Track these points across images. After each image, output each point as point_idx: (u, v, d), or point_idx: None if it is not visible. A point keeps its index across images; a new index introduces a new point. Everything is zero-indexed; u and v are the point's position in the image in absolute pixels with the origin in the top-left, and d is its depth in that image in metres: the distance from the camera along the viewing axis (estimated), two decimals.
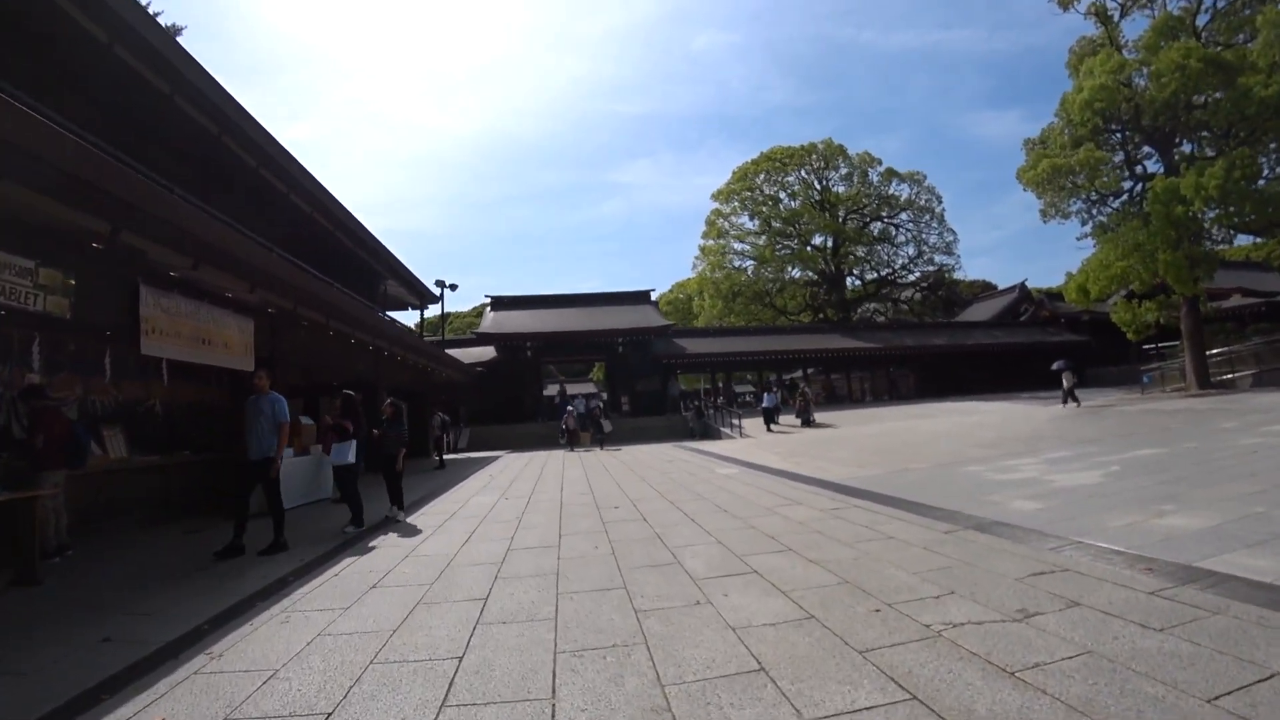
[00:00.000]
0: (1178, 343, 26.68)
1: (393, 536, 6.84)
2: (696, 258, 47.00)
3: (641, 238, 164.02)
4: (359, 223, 15.76)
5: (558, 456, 18.35)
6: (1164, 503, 5.92)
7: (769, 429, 23.14)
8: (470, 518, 7.94)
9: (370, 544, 6.48)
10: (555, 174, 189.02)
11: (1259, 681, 2.44)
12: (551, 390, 36.91)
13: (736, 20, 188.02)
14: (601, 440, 20.26)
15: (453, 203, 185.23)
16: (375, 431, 8.44)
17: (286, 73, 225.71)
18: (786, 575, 4.36)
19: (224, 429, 10.17)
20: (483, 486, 11.68)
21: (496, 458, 19.76)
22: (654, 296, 38.64)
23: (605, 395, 37.07)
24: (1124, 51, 22.16)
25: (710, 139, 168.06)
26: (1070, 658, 2.78)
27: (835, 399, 38.05)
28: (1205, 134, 20.89)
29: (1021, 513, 6.01)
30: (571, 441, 20.20)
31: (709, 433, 26.12)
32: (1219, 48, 20.24)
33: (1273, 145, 18.57)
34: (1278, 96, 17.30)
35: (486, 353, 32.36)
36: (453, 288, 28.62)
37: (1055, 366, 24.78)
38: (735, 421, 23.93)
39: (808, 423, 23.58)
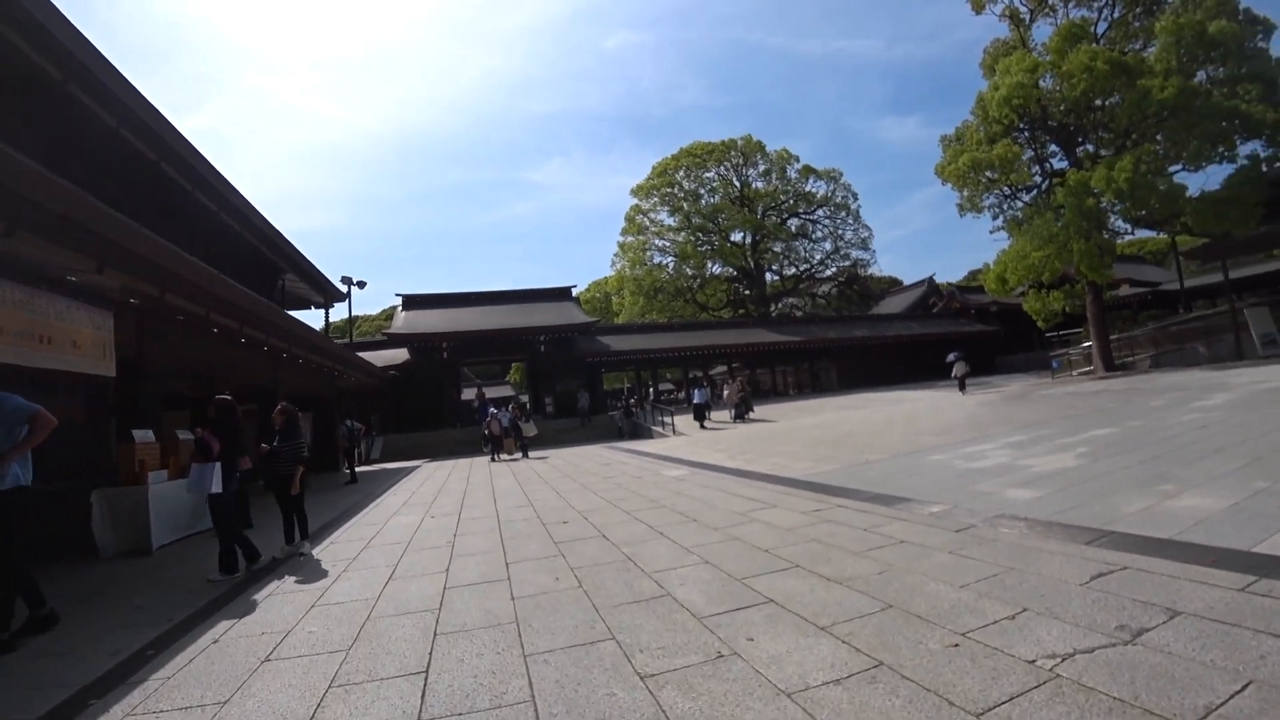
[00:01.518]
0: (1080, 330, 28.56)
1: (291, 581, 5.50)
2: (615, 255, 46.40)
3: (555, 238, 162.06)
4: (251, 206, 13.85)
5: (482, 464, 17.05)
6: (1161, 483, 5.65)
7: (701, 425, 22.69)
8: (392, 545, 6.73)
9: (264, 592, 5.17)
10: (465, 172, 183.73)
11: None
12: (469, 394, 34.98)
13: (648, 21, 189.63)
14: (525, 446, 18.61)
15: (358, 200, 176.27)
16: (265, 447, 7.00)
17: (178, 59, 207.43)
18: (811, 602, 3.59)
19: (77, 449, 8.43)
20: (403, 503, 10.35)
21: (415, 468, 18.21)
22: (574, 293, 37.59)
23: (526, 397, 35.66)
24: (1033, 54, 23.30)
25: (623, 138, 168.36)
26: (1239, 691, 2.17)
27: (760, 393, 38.28)
28: (1104, 134, 22.22)
29: (1023, 502, 5.58)
30: (495, 449, 18.32)
31: (639, 432, 25.40)
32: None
33: (1169, 144, 19.82)
34: (1174, 98, 18.51)
35: (399, 355, 30.24)
36: (360, 285, 26.48)
37: (949, 358, 25.88)
38: (666, 419, 23.30)
39: (741, 417, 23.31)
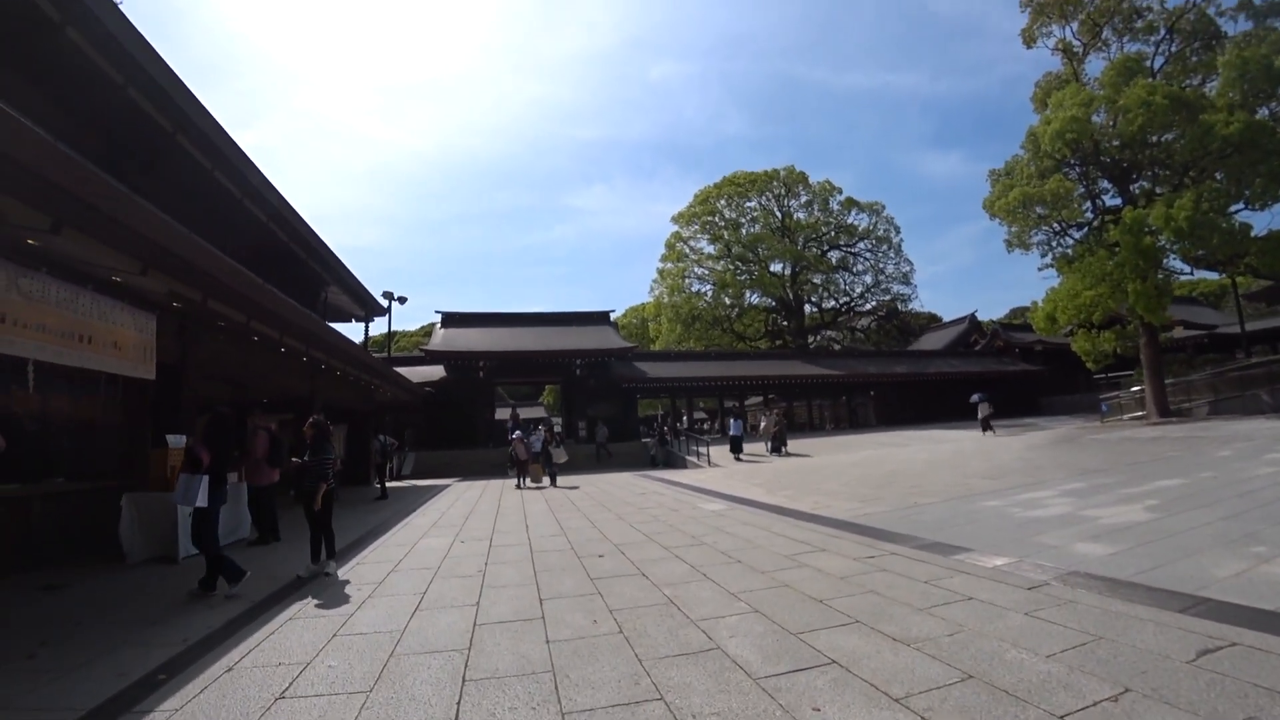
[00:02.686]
0: (1130, 372, 27.51)
1: (313, 604, 5.29)
2: (654, 281, 46.44)
3: (594, 262, 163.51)
4: (299, 215, 14.06)
5: (513, 486, 16.92)
6: (1251, 544, 5.21)
7: (737, 458, 22.28)
8: (420, 570, 6.55)
9: (285, 614, 4.99)
10: (508, 195, 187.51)
11: None
12: (503, 414, 35.02)
13: (693, 52, 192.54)
14: (554, 473, 17.63)
15: (403, 220, 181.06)
16: (295, 461, 6.89)
17: (236, 77, 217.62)
18: (880, 667, 3.29)
19: (113, 450, 8.52)
20: (432, 524, 10.22)
21: (445, 486, 18.16)
22: (612, 318, 37.67)
23: (559, 420, 35.57)
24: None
25: (665, 166, 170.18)
26: None
27: (796, 427, 37.59)
28: (1161, 170, 21.58)
29: (1096, 559, 5.19)
30: (520, 474, 17.22)
31: (672, 461, 25.07)
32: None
33: (1231, 181, 19.13)
34: (1239, 134, 17.90)
35: (435, 372, 30.50)
36: (401, 300, 26.86)
37: (973, 399, 25.15)
38: (701, 449, 22.94)
39: (777, 451, 22.84)
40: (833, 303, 48.90)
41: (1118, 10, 23.37)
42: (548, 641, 4.04)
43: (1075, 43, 24.77)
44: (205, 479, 5.71)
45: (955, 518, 7.74)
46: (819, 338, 49.95)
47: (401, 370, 24.09)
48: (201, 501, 5.66)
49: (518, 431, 18.61)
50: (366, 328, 26.23)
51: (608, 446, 27.95)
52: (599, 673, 3.45)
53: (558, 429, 27.89)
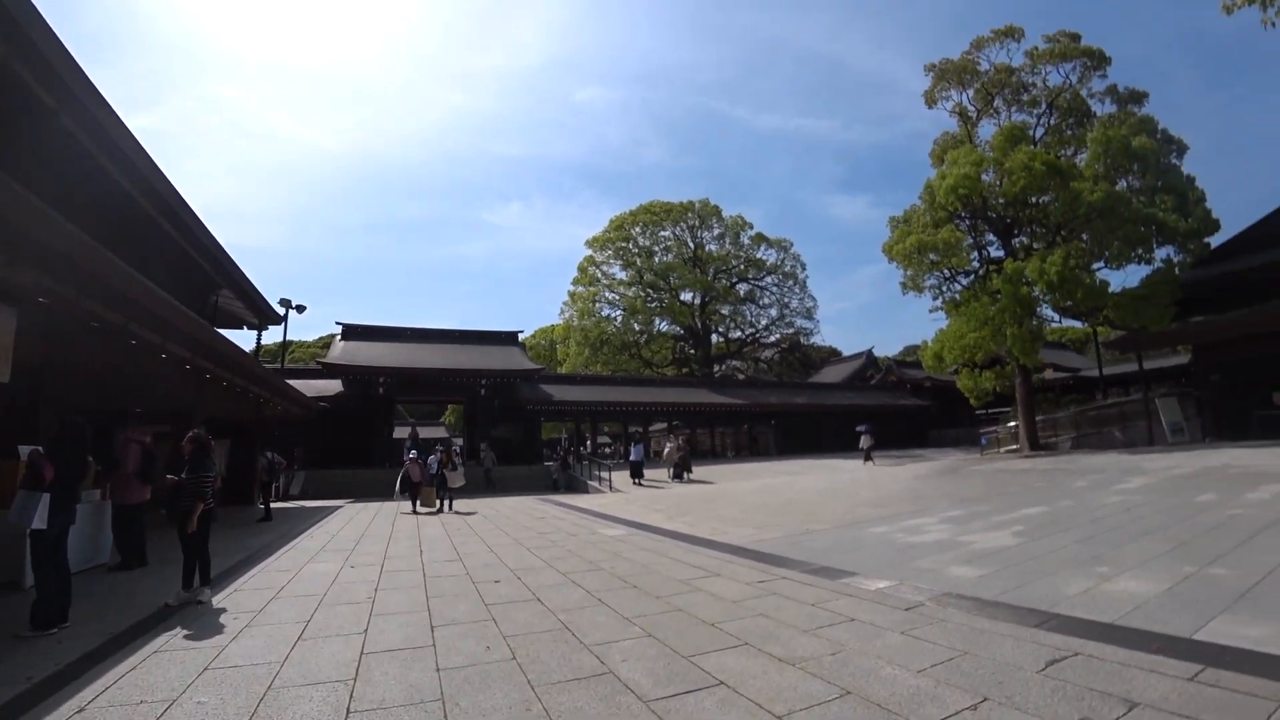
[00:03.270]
0: (1007, 409, 30.07)
1: (182, 635, 4.87)
2: (565, 303, 46.57)
3: (506, 281, 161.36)
4: (190, 210, 12.92)
5: (409, 508, 16.16)
6: (1096, 564, 5.84)
7: (637, 483, 22.51)
8: (304, 597, 6.17)
9: (150, 647, 4.56)
10: (421, 206, 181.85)
11: None
12: (403, 432, 33.55)
13: (620, 79, 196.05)
14: (449, 496, 16.49)
15: (307, 223, 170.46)
16: (171, 479, 6.36)
17: (137, 56, 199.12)
18: (765, 686, 3.43)
19: None
20: (320, 548, 9.64)
21: (337, 508, 17.14)
22: (520, 339, 37.25)
23: (461, 441, 34.54)
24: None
25: (583, 189, 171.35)
26: None
27: (698, 453, 38.36)
28: (1038, 228, 24.12)
29: (967, 581, 5.63)
30: (413, 498, 16.08)
31: (574, 485, 24.95)
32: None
33: (1095, 243, 21.64)
34: (1102, 202, 20.35)
35: (332, 386, 28.90)
36: (300, 309, 25.45)
37: (858, 429, 27.05)
38: (603, 474, 22.99)
39: (680, 477, 23.24)
40: (739, 333, 50.68)
41: (1007, 83, 26.23)
42: (438, 669, 3.92)
43: (970, 108, 27.46)
44: (46, 497, 5.08)
45: (844, 544, 8.16)
46: (724, 367, 51.52)
47: (296, 383, 22.57)
48: (39, 523, 5.01)
49: (413, 452, 17.73)
50: (259, 336, 24.54)
51: (493, 472, 26.54)
52: (490, 700, 3.39)
53: (458, 450, 26.71)
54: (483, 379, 30.76)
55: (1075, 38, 25.54)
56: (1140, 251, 21.41)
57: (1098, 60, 25.25)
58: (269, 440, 18.91)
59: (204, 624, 5.22)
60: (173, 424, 12.38)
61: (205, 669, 4.05)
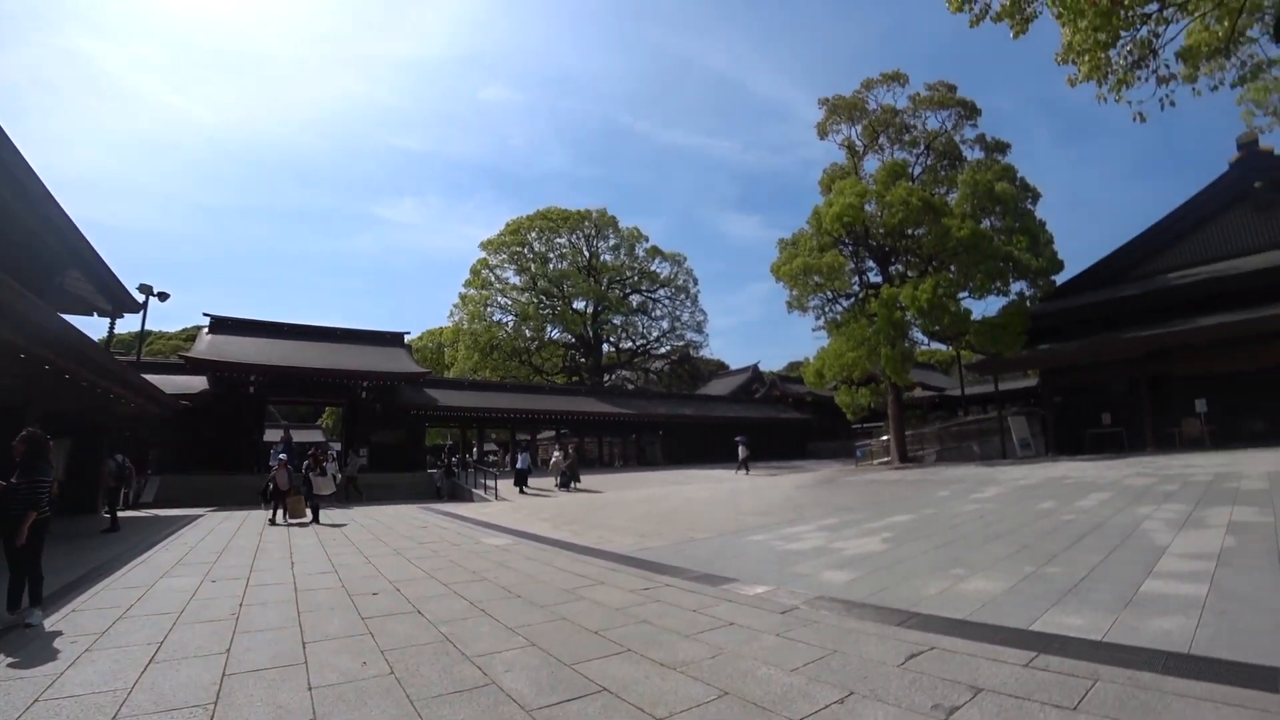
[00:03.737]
0: (881, 424, 32.37)
1: (4, 664, 4.25)
2: (456, 305, 45.14)
3: (395, 279, 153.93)
4: (32, 172, 11.41)
5: (274, 518, 14.90)
6: (953, 567, 6.40)
7: (521, 491, 22.20)
8: (157, 616, 5.58)
9: None
10: (308, 194, 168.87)
11: None
12: (275, 435, 31.05)
13: (528, 81, 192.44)
14: (317, 506, 15.05)
15: (176, 201, 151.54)
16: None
17: None
18: (647, 691, 3.49)
19: None
20: (177, 561, 8.77)
21: (198, 517, 15.66)
22: (407, 340, 35.75)
23: (339, 445, 32.55)
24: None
25: (483, 190, 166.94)
26: None
27: (586, 462, 38.40)
28: (912, 258, 26.36)
29: (839, 584, 6.00)
30: (278, 506, 14.59)
31: (459, 493, 24.23)
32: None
33: (961, 274, 23.91)
34: (968, 238, 22.61)
35: (196, 383, 26.22)
36: (162, 296, 22.88)
37: (736, 440, 28.51)
38: (489, 482, 22.47)
39: (567, 486, 23.12)
40: (630, 344, 51.31)
41: (892, 123, 28.64)
42: (310, 688, 3.69)
43: (858, 142, 29.70)
44: None
45: (726, 551, 8.45)
46: (614, 376, 51.95)
47: (154, 378, 20.20)
48: None
49: (283, 455, 16.14)
50: (112, 324, 21.85)
51: (358, 480, 24.36)
52: (366, 717, 3.24)
53: (334, 455, 24.67)
54: (365, 381, 29.19)
55: (952, 88, 28.23)
56: (999, 284, 23.84)
57: (970, 110, 28.09)
58: (119, 441, 17.01)
59: (35, 649, 4.62)
60: (3, 421, 10.86)
61: (35, 700, 3.59)
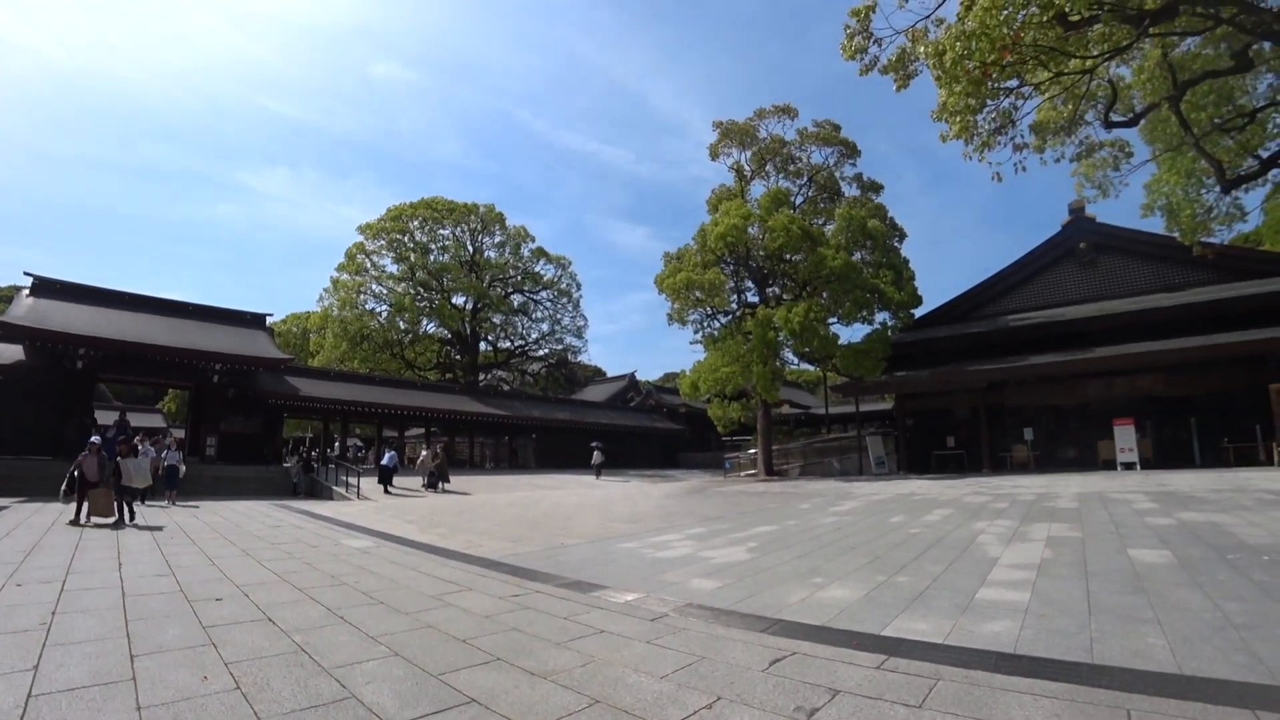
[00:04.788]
0: (749, 438, 33.86)
1: None
2: (326, 290, 42.03)
3: (259, 255, 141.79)
4: None
5: (72, 518, 12.84)
6: (813, 575, 6.76)
7: (386, 490, 21.14)
8: None
9: None
10: (165, 151, 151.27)
11: None
12: (107, 419, 27.22)
13: (423, 63, 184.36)
14: (125, 502, 12.28)
15: (8, 145, 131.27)
16: None
17: None
18: (516, 700, 3.38)
19: None
20: None
21: (2, 509, 13.42)
22: (268, 323, 32.96)
23: (182, 432, 29.27)
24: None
25: (363, 170, 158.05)
26: None
27: (456, 463, 37.16)
28: (788, 282, 27.92)
29: (706, 592, 6.15)
30: (82, 502, 11.78)
31: (317, 490, 22.67)
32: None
33: (832, 301, 25.59)
34: (840, 268, 24.27)
35: (10, 353, 22.62)
36: None
37: (591, 445, 29.22)
38: (351, 480, 21.19)
39: (434, 486, 22.27)
40: (508, 344, 50.29)
41: (779, 153, 30.33)
42: (139, 708, 3.22)
43: (746, 167, 31.17)
44: None
45: (597, 558, 8.45)
46: (490, 376, 50.74)
47: None
48: None
49: (96, 438, 12.92)
50: None
51: (180, 470, 18.42)
52: None
53: (170, 442, 21.38)
54: (217, 364, 26.43)
55: (837, 127, 30.32)
56: (865, 313, 25.76)
57: (850, 150, 30.36)
58: None
59: None
60: None
61: None
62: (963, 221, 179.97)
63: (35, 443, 22.19)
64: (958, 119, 9.82)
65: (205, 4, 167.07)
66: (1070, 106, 10.66)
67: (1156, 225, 15.93)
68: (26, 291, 25.50)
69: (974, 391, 24.83)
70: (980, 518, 11.10)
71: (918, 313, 28.36)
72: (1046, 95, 10.43)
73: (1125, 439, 20.34)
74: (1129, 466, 19.84)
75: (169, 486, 16.80)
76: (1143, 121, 12.57)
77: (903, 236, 30.06)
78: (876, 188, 31.16)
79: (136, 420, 30.73)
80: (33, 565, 7.43)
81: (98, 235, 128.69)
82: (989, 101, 9.71)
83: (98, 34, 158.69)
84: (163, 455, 17.01)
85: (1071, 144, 12.20)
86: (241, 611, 5.40)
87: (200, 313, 29.85)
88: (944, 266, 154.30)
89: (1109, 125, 12.29)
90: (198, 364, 26.22)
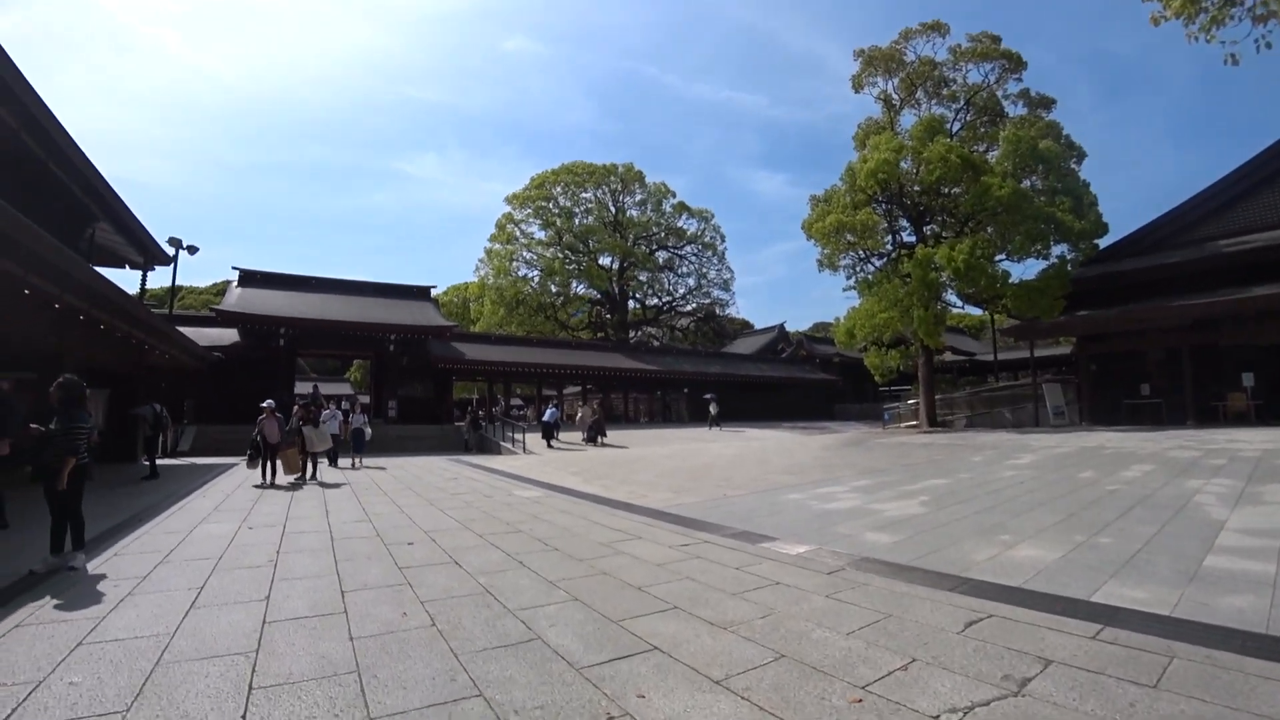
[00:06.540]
0: (909, 387, 31.90)
1: (51, 606, 4.30)
2: (481, 260, 44.93)
3: (416, 235, 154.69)
4: (61, 126, 11.43)
5: (259, 480, 13.12)
6: (999, 533, 6.21)
7: (549, 444, 22.36)
8: (197, 561, 5.66)
9: (10, 621, 3.99)
10: (326, 150, 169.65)
11: None
12: (304, 388, 31.58)
13: (548, 35, 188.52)
14: (331, 454, 14.54)
15: (199, 159, 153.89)
16: (36, 429, 5.62)
17: None
18: (700, 651, 3.40)
19: None
20: (214, 507, 8.95)
21: (233, 465, 16.04)
22: (433, 295, 35.84)
23: (368, 398, 33.04)
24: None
25: (503, 145, 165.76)
26: None
27: (611, 418, 38.60)
28: (948, 218, 25.37)
29: (883, 546, 5.86)
30: (269, 462, 12.70)
31: (486, 446, 24.49)
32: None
33: (999, 235, 23.00)
34: (1008, 198, 21.56)
35: (227, 336, 26.74)
36: (191, 250, 23.24)
37: (706, 397, 28.13)
38: (517, 436, 22.67)
39: (594, 440, 23.25)
40: (656, 301, 50.85)
41: (930, 76, 27.20)
42: (351, 638, 3.65)
43: (894, 96, 28.33)
44: None
45: (762, 509, 8.35)
46: (640, 333, 51.72)
47: (186, 331, 20.58)
48: None
49: (269, 401, 13.84)
50: (144, 278, 22.28)
51: (365, 432, 18.28)
52: (411, 670, 3.17)
53: (349, 407, 23.47)
54: (392, 334, 29.38)
55: (996, 40, 26.71)
56: (1039, 247, 22.87)
57: (1015, 63, 26.59)
58: (154, 391, 17.34)
59: (78, 593, 4.65)
60: (38, 370, 11.09)
61: (79, 644, 3.59)
62: (1151, 133, 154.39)
63: (251, 410, 25.74)
64: None
65: (344, 9, 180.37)
66: None
67: None
68: (235, 283, 29.65)
69: (1175, 331, 21.38)
70: (1192, 475, 9.65)
71: (1102, 243, 24.70)
72: None
73: None
74: None
75: (356, 450, 17.59)
76: None
77: (1081, 156, 25.97)
78: (1047, 103, 27.08)
79: (327, 389, 34.80)
80: (260, 511, 8.70)
81: (280, 232, 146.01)
82: None
83: (257, 50, 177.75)
84: (350, 421, 18.32)
85: None
86: (431, 555, 5.93)
87: (375, 290, 32.99)
88: (1129, 189, 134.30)
89: None
90: (376, 335, 29.15)
